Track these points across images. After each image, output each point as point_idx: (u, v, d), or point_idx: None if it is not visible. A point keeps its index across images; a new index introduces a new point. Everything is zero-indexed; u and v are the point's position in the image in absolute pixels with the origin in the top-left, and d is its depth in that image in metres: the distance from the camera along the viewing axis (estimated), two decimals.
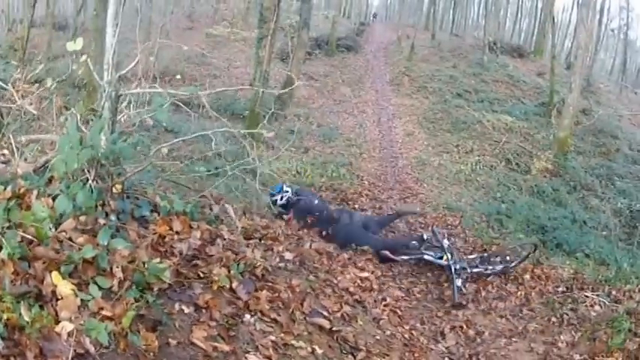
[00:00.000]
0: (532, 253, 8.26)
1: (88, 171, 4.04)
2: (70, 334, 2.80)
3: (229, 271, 4.22)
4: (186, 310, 3.51)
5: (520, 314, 6.94)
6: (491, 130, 22.51)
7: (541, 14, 44.14)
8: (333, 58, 33.85)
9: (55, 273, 3.09)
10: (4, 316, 2.71)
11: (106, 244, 3.51)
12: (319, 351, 3.92)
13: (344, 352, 4.37)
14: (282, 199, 8.73)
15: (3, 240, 3.16)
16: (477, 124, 22.97)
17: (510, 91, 29.48)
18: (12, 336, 2.69)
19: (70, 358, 2.69)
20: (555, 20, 34.79)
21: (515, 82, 30.85)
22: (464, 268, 7.82)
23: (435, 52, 37.05)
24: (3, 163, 4.81)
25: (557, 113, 22.94)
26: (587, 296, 6.94)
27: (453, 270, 7.66)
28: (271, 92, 16.94)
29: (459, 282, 7.48)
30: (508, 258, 8.17)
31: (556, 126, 21.40)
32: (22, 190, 3.92)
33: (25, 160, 4.90)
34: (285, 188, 8.91)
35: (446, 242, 8.38)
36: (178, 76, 17.22)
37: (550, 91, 25.11)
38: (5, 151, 5.15)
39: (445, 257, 8.03)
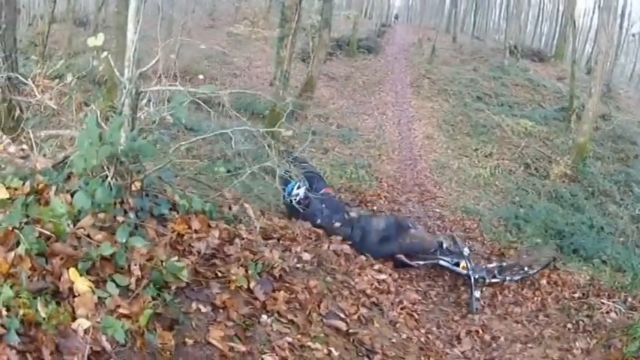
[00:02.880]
0: (554, 261, 8.21)
1: (107, 168, 4.03)
2: (86, 332, 2.80)
3: (247, 271, 4.21)
4: (204, 310, 3.50)
5: (536, 320, 6.90)
6: (510, 134, 22.38)
7: (562, 18, 43.84)
8: (354, 59, 33.73)
9: (72, 270, 3.09)
10: (21, 312, 2.71)
11: (124, 241, 3.49)
12: (335, 353, 3.90)
13: (360, 354, 4.35)
14: (292, 201, 8.22)
15: (21, 235, 3.16)
16: (496, 128, 22.84)
17: (530, 95, 29.25)
18: (28, 332, 2.69)
19: (86, 355, 2.68)
20: (576, 24, 34.56)
21: (536, 86, 30.60)
22: (483, 279, 7.75)
23: (455, 54, 36.91)
24: (22, 158, 4.81)
25: (576, 118, 22.76)
26: (603, 303, 6.88)
27: (472, 280, 7.60)
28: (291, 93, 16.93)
29: (477, 293, 7.42)
30: (526, 268, 8.10)
31: (575, 131, 21.22)
32: (40, 186, 3.92)
33: (44, 155, 4.90)
34: (295, 191, 8.30)
35: (466, 250, 8.29)
36: (201, 76, 17.22)
37: (570, 96, 24.83)
38: (24, 146, 5.16)
39: (463, 265, 7.93)
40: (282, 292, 4.29)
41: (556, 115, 25.22)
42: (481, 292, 7.56)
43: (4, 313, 2.67)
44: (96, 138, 3.80)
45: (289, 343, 3.67)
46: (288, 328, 3.91)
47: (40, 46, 18.89)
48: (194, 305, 3.49)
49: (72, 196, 3.77)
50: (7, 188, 3.70)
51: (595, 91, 19.13)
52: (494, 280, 7.86)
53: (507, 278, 7.90)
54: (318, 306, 4.59)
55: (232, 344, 3.31)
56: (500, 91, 28.69)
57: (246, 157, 5.89)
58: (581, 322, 6.52)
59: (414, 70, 32.15)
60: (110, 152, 3.86)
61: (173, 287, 3.49)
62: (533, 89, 30.04)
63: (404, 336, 5.43)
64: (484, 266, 8.39)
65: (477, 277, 7.64)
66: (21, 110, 6.38)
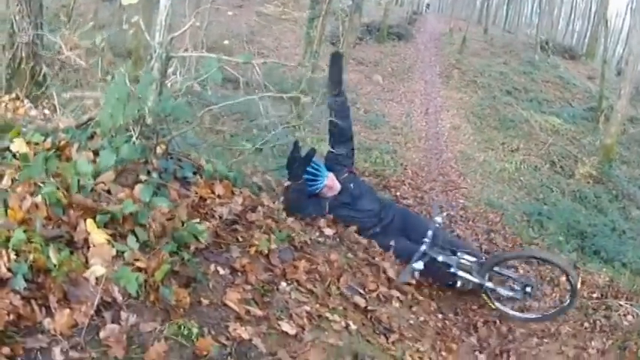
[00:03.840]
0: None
1: (133, 129, 3.98)
2: (98, 281, 2.75)
3: (269, 238, 4.15)
4: (222, 272, 3.44)
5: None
6: (538, 130, 22.21)
7: (594, 17, 43.61)
8: (384, 45, 33.58)
9: (89, 220, 3.03)
10: (31, 257, 2.65)
11: (147, 200, 3.45)
12: (353, 327, 3.83)
13: (377, 332, 4.29)
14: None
15: (40, 184, 3.12)
16: (524, 124, 22.68)
17: (560, 92, 29.01)
18: (36, 278, 2.64)
19: (95, 304, 2.63)
20: (608, 24, 34.31)
21: (565, 83, 30.36)
22: (433, 258, 7.17)
23: (486, 47, 36.66)
24: (44, 120, 4.77)
25: (604, 119, 22.58)
26: (621, 305, 6.78)
27: (421, 249, 6.61)
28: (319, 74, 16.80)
29: (417, 265, 6.55)
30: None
31: (603, 132, 21.03)
32: (62, 143, 3.87)
33: (68, 117, 4.87)
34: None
35: (438, 220, 7.13)
36: (226, 42, 17.08)
37: (599, 96, 24.58)
38: (46, 111, 5.13)
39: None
40: (302, 261, 4.23)
41: (584, 115, 25.02)
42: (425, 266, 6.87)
43: (13, 257, 2.62)
44: (124, 94, 3.74)
45: (307, 312, 3.60)
46: (307, 297, 3.84)
47: (66, 18, 18.92)
48: (212, 267, 3.43)
49: (95, 154, 3.73)
50: (27, 143, 3.67)
51: (624, 92, 18.91)
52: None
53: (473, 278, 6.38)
54: (338, 279, 4.53)
55: (249, 308, 3.25)
56: (529, 87, 28.48)
57: (271, 129, 5.81)
58: (598, 322, 6.44)
59: (443, 60, 31.99)
60: (138, 109, 3.80)
61: (192, 247, 3.44)
62: (562, 87, 29.81)
63: (421, 319, 5.35)
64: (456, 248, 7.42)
65: (424, 250, 6.08)
66: (45, 76, 6.36)
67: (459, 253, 6.07)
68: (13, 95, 5.27)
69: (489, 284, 5.99)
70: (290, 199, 5.42)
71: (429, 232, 5.90)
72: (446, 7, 67.63)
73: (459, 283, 6.03)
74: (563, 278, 6.69)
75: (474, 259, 6.05)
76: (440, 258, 5.84)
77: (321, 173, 5.93)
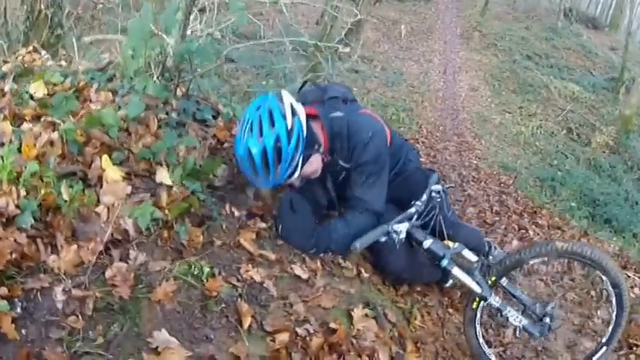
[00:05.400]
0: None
1: (154, 69, 3.97)
2: (109, 216, 2.72)
3: None
4: (237, 214, 3.43)
5: (560, 281, 6.82)
6: (556, 96, 22.08)
7: None
8: (404, 3, 33.26)
9: (105, 157, 3.00)
10: (42, 193, 2.62)
11: (172, 142, 3.41)
12: (365, 275, 3.83)
13: (387, 283, 4.28)
14: None
15: (57, 121, 3.11)
16: (543, 89, 22.56)
17: (581, 61, 28.77)
18: (45, 217, 2.61)
19: (104, 241, 2.60)
20: None
21: (587, 52, 30.08)
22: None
23: (508, 10, 36.33)
24: (61, 65, 4.74)
25: (625, 90, 22.41)
26: (628, 276, 6.77)
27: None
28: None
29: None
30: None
31: (623, 103, 20.88)
32: (81, 84, 3.86)
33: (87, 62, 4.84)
34: None
35: (438, 186, 6.08)
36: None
37: (621, 67, 24.38)
38: (63, 62, 5.08)
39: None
40: None
41: (605, 85, 24.86)
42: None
43: (23, 193, 2.58)
44: (147, 30, 3.70)
45: (320, 257, 3.60)
46: None
47: None
48: (227, 207, 3.42)
49: (113, 94, 3.72)
50: (46, 84, 3.65)
51: None
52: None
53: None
54: None
55: (262, 251, 3.25)
56: (550, 53, 28.27)
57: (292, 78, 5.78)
58: (604, 291, 6.45)
59: (464, 22, 31.72)
60: (160, 46, 3.77)
61: (209, 187, 3.43)
62: (584, 55, 29.58)
63: None
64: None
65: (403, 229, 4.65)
66: (62, 26, 6.30)
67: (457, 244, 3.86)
68: (30, 48, 5.22)
69: (495, 301, 3.77)
70: None
71: (418, 203, 3.88)
72: None
73: (449, 283, 4.66)
74: (613, 299, 3.94)
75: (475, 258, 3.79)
76: (427, 243, 3.77)
77: None
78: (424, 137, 13.93)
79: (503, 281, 3.88)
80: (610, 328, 3.98)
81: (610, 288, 3.86)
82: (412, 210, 3.80)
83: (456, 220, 4.70)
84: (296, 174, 3.46)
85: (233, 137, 3.82)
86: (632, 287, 6.56)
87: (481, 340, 3.89)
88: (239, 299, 2.86)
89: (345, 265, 3.72)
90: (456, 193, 9.52)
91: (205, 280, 2.81)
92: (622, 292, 3.80)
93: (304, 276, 3.29)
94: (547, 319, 3.77)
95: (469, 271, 3.73)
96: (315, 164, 3.64)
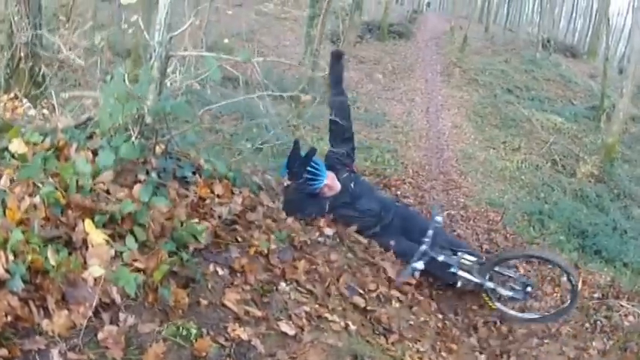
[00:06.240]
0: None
1: (132, 128, 3.98)
2: (96, 282, 2.75)
3: (269, 238, 4.15)
4: (221, 272, 3.44)
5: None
6: (539, 129, 22.22)
7: (596, 15, 43.67)
8: (384, 43, 33.57)
9: (88, 221, 3.03)
10: (29, 258, 2.65)
11: (146, 200, 3.44)
12: (352, 327, 3.83)
13: (377, 332, 4.29)
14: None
15: (38, 184, 3.11)
16: (525, 122, 22.70)
17: (561, 91, 29.01)
18: (34, 280, 2.64)
19: (93, 305, 2.63)
20: (610, 22, 34.20)
21: (567, 82, 30.37)
22: (432, 258, 7.15)
23: (487, 45, 36.66)
24: (42, 120, 4.77)
25: (606, 118, 22.61)
26: (622, 305, 6.80)
27: (420, 249, 6.45)
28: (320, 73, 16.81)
29: (418, 265, 6.38)
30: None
31: (605, 131, 21.05)
32: (61, 143, 3.86)
33: (66, 117, 4.86)
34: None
35: (438, 219, 7.08)
36: (226, 40, 17.05)
37: (601, 95, 24.57)
38: (45, 111, 5.12)
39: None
40: (302, 261, 4.23)
41: (586, 113, 25.01)
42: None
43: (11, 258, 2.61)
44: (123, 93, 3.73)
45: (306, 312, 3.60)
46: (307, 297, 3.84)
47: (65, 17, 18.93)
48: (211, 267, 3.42)
49: (94, 154, 3.72)
50: (26, 143, 3.66)
51: (627, 91, 18.89)
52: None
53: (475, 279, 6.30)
54: (338, 280, 4.52)
55: (248, 308, 3.25)
56: (531, 85, 28.48)
57: (269, 130, 5.81)
58: (599, 322, 6.45)
59: (444, 58, 31.98)
60: (137, 108, 3.80)
61: (191, 248, 3.43)
62: (564, 85, 29.82)
63: (421, 319, 5.34)
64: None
65: (424, 250, 5.90)
66: (43, 76, 6.36)
67: (459, 253, 6.03)
68: (12, 95, 5.26)
69: (490, 284, 5.92)
70: (290, 199, 5.35)
71: (430, 232, 5.74)
72: (447, 6, 67.65)
73: (459, 283, 5.99)
74: (564, 278, 6.50)
75: (474, 258, 6.00)
76: (440, 258, 5.75)
77: (321, 173, 5.82)
78: (410, 177, 13.93)
79: (495, 270, 5.99)
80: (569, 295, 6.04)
81: (564, 277, 6.36)
82: (423, 247, 5.66)
83: (455, 238, 7.49)
84: None
85: (215, 195, 3.86)
86: (625, 315, 6.58)
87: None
88: (228, 358, 2.86)
89: (332, 318, 3.72)
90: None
91: (194, 341, 2.81)
92: (572, 279, 5.75)
93: (291, 332, 3.29)
94: (529, 288, 5.94)
95: (470, 270, 5.86)
96: None
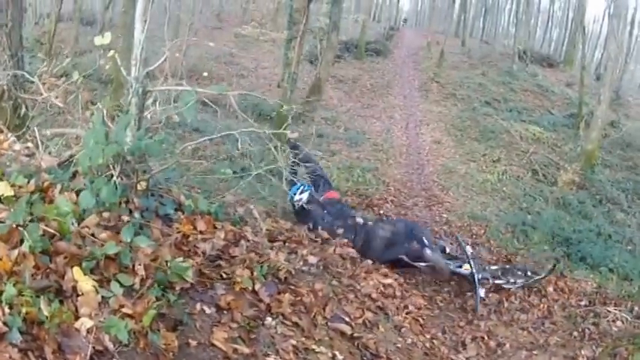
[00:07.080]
0: (554, 269, 8.12)
1: (113, 167, 4.02)
2: (89, 331, 2.79)
3: (252, 273, 4.20)
4: (208, 311, 3.48)
5: (542, 327, 6.86)
6: (518, 140, 22.32)
7: (571, 24, 43.88)
8: (362, 62, 33.64)
9: (76, 268, 3.07)
10: (23, 310, 2.69)
11: (129, 241, 3.48)
12: (340, 357, 3.87)
13: (364, 358, 4.32)
14: (294, 205, 8.08)
15: (25, 233, 3.14)
16: (504, 134, 22.78)
17: (539, 100, 29.18)
18: (30, 330, 2.68)
19: (88, 354, 2.67)
20: (586, 31, 34.44)
21: (544, 91, 30.55)
22: (486, 279, 7.67)
23: (464, 59, 36.83)
24: (27, 156, 4.80)
25: (585, 125, 22.72)
26: (609, 311, 6.86)
27: (476, 280, 7.49)
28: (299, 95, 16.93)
29: (482, 292, 7.37)
30: (529, 273, 8.01)
31: (584, 138, 21.18)
32: (45, 184, 3.91)
33: (50, 153, 4.89)
34: (297, 196, 8.05)
35: (469, 249, 8.29)
36: (205, 74, 17.11)
37: (579, 103, 24.69)
38: (29, 145, 5.15)
39: (466, 266, 7.83)
40: (287, 294, 4.27)
41: (565, 122, 25.14)
42: (486, 293, 7.50)
43: (7, 311, 2.66)
44: (102, 137, 3.78)
45: (293, 345, 3.64)
46: (293, 330, 3.88)
47: (47, 44, 18.95)
48: (198, 306, 3.47)
49: (77, 194, 3.76)
50: (11, 186, 3.69)
51: (604, 97, 19.07)
52: (497, 282, 7.79)
53: (511, 280, 7.79)
54: (324, 309, 4.57)
55: (236, 346, 3.29)
56: (508, 96, 28.63)
57: (252, 158, 5.87)
58: (587, 330, 6.50)
59: (422, 74, 32.10)
60: (116, 151, 3.84)
61: (177, 288, 3.48)
62: (542, 95, 29.98)
63: (409, 341, 5.39)
64: (486, 267, 8.36)
65: (480, 277, 7.57)
66: (27, 108, 6.37)
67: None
68: None
69: (478, 274, 7.78)
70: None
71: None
72: (423, 21, 67.91)
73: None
74: None
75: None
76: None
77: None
78: (392, 195, 13.99)
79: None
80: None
81: None
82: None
83: None
84: None
85: (198, 232, 3.89)
86: (613, 321, 6.62)
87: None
88: None
89: (319, 349, 3.76)
90: None
91: None
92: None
93: None
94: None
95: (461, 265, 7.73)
96: None
